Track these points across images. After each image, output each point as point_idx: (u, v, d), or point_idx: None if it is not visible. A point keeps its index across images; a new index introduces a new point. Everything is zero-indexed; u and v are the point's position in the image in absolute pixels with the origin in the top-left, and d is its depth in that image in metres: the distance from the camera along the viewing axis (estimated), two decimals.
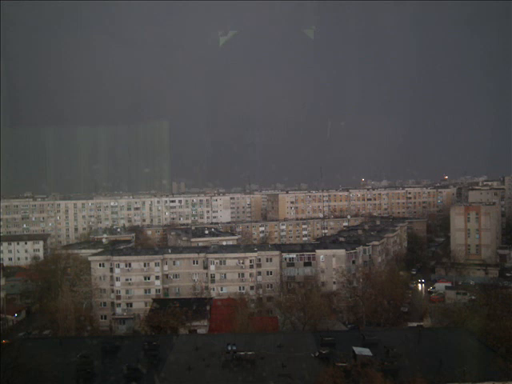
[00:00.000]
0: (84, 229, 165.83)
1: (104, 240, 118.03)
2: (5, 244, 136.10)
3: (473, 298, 79.44)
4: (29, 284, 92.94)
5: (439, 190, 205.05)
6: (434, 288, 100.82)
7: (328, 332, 53.77)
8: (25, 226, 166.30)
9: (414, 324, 70.00)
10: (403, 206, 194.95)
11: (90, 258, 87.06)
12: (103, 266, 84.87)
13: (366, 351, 41.82)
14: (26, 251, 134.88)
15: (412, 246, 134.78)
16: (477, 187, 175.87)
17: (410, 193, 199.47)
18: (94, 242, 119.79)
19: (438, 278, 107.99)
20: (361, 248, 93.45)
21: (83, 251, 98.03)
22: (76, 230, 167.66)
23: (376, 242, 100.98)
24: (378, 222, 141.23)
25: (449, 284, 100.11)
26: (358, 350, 41.92)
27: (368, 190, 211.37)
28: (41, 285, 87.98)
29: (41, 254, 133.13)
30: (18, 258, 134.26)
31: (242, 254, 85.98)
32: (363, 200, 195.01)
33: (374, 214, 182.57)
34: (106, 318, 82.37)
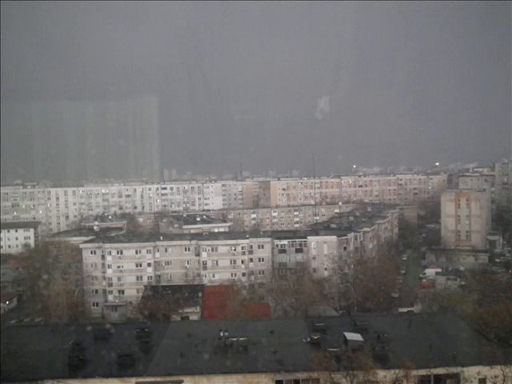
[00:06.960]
0: (75, 216, 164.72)
1: (95, 227, 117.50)
2: None
3: (463, 283, 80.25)
4: (20, 271, 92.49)
5: (430, 176, 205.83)
6: (424, 274, 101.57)
7: (319, 318, 54.12)
8: (15, 213, 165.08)
9: (405, 309, 70.52)
10: (394, 192, 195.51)
11: (81, 246, 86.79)
12: (95, 253, 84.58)
13: (357, 336, 42.20)
14: (17, 239, 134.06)
15: (403, 233, 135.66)
16: (467, 174, 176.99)
17: (401, 179, 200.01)
18: (85, 230, 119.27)
19: (428, 264, 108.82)
20: (352, 234, 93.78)
21: (74, 239, 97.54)
22: (67, 217, 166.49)
23: (367, 229, 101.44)
24: (369, 209, 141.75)
25: (439, 270, 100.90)
26: (349, 335, 42.26)
27: (359, 176, 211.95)
28: (32, 272, 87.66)
29: (32, 241, 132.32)
30: (9, 246, 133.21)
31: (234, 241, 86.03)
32: (355, 187, 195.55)
33: (366, 200, 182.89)
34: (98, 306, 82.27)
